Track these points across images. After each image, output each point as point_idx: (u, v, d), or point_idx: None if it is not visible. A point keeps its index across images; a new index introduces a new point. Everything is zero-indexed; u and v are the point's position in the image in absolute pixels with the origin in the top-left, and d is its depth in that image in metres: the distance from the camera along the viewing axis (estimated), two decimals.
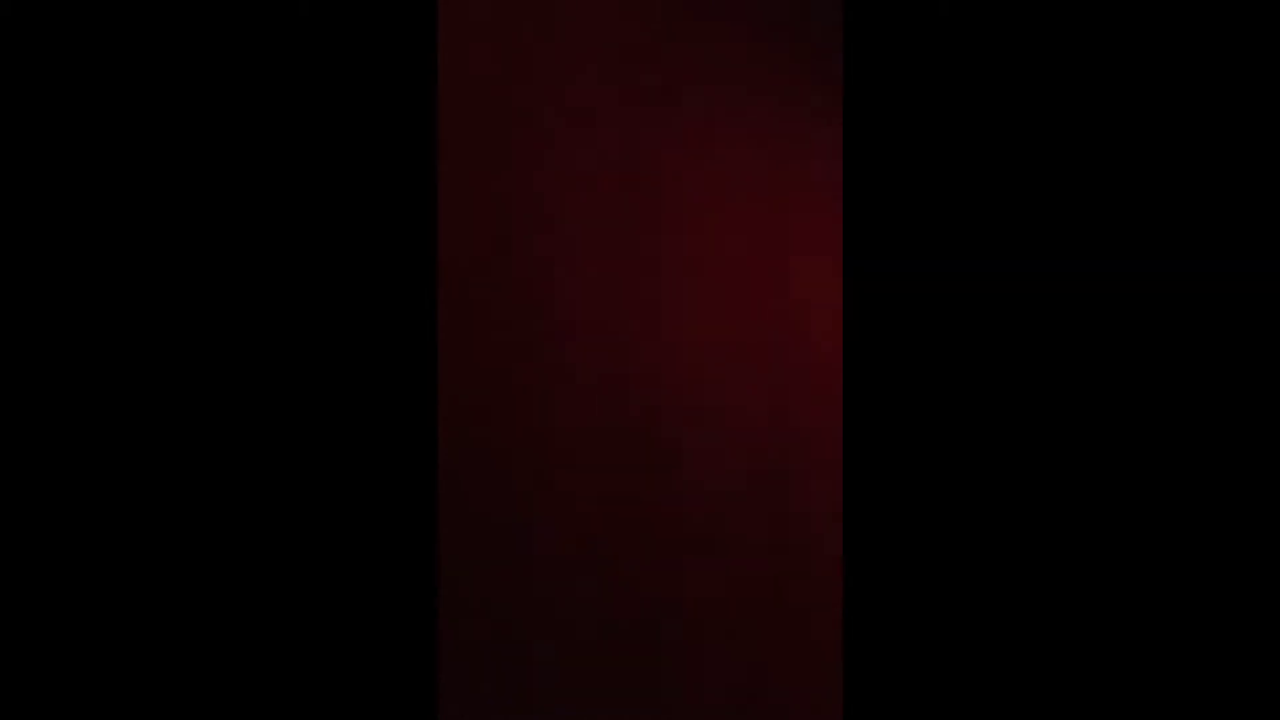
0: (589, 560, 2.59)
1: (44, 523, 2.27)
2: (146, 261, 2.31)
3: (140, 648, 2.29)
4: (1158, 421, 3.09)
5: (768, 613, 2.92)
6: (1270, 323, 3.01)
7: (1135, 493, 3.10)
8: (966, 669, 3.19)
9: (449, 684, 2.34)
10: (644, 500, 2.69)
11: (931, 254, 3.23)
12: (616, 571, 2.64)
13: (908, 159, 3.25)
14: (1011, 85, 3.18)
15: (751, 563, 2.89)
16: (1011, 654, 3.16)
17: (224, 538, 2.32)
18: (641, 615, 2.68)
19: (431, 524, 2.32)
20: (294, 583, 2.32)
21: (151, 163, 2.32)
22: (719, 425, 2.83)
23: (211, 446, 2.32)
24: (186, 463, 2.31)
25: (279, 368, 2.33)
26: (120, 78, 2.30)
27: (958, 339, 3.21)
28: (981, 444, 3.20)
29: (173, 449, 2.31)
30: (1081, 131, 3.14)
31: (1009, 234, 3.18)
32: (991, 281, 3.20)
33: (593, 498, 2.60)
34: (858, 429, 3.30)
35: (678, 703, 2.75)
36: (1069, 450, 3.15)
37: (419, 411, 2.31)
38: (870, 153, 3.27)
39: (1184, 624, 3.06)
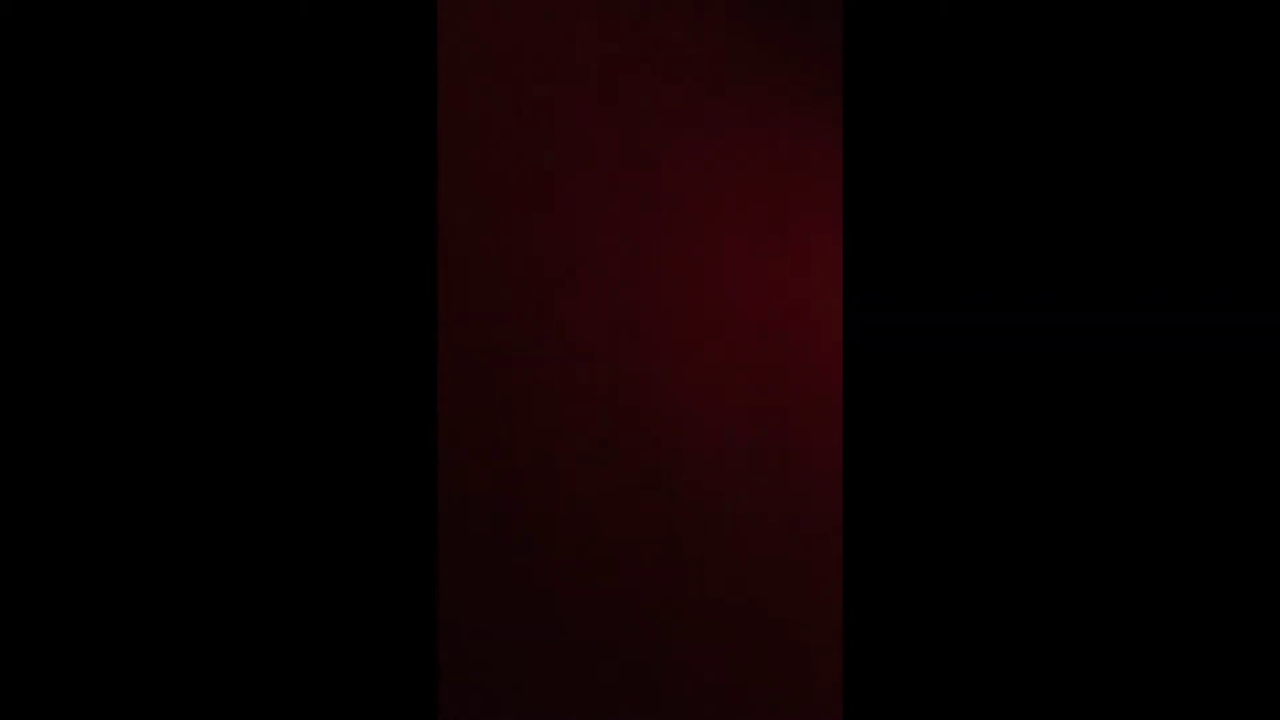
0: (589, 561, 2.59)
1: (44, 523, 2.27)
2: (146, 261, 2.31)
3: (140, 647, 2.29)
4: (1158, 434, 3.09)
5: (767, 613, 2.92)
6: (1270, 324, 3.00)
7: (1137, 505, 3.10)
8: (966, 673, 3.19)
9: (449, 684, 2.33)
10: (644, 500, 2.69)
11: (931, 254, 3.23)
12: (616, 572, 2.63)
13: (908, 159, 3.25)
14: (1013, 85, 3.17)
15: (751, 563, 2.89)
16: (1013, 662, 3.16)
17: (224, 538, 2.31)
18: (641, 616, 2.68)
19: (431, 524, 2.31)
20: (294, 582, 2.32)
21: (151, 161, 2.31)
22: (719, 425, 2.83)
23: (211, 446, 2.31)
24: (187, 463, 2.31)
25: (279, 367, 2.32)
26: (120, 77, 2.30)
27: (958, 341, 3.21)
28: (983, 446, 3.20)
29: (173, 450, 2.31)
30: (1084, 132, 3.14)
31: (1010, 234, 3.18)
32: (992, 281, 3.20)
33: (593, 497, 2.60)
34: (858, 429, 3.30)
35: (678, 703, 2.74)
36: (1071, 457, 3.15)
37: (419, 411, 2.31)
38: (870, 153, 3.27)
39: (1189, 650, 3.06)
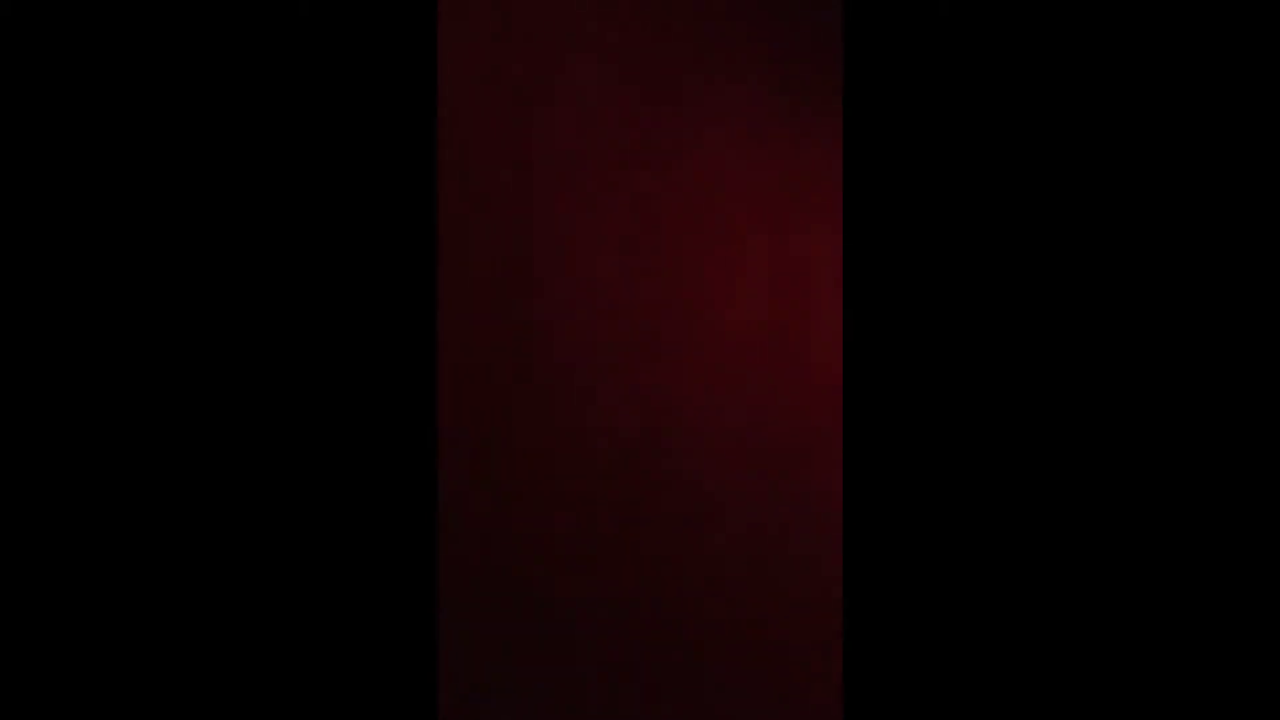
0: (588, 562, 2.59)
1: (44, 523, 2.27)
2: (146, 261, 2.31)
3: (141, 648, 2.29)
4: (1159, 426, 3.09)
5: (768, 614, 2.92)
6: (1270, 324, 3.01)
7: (1137, 495, 3.10)
8: (966, 672, 3.20)
9: (449, 684, 2.34)
10: (644, 501, 2.69)
11: (932, 253, 3.23)
12: (616, 573, 2.64)
13: (908, 159, 3.25)
14: (1012, 85, 3.18)
15: (752, 564, 2.89)
16: (1012, 660, 3.16)
17: (225, 539, 2.31)
18: (641, 617, 2.68)
19: (431, 524, 2.31)
20: (295, 583, 2.32)
21: (151, 162, 2.32)
22: (719, 425, 2.83)
23: (211, 446, 2.32)
24: (187, 464, 2.31)
25: (279, 368, 2.33)
26: (120, 77, 2.30)
27: (958, 338, 3.21)
28: (983, 444, 3.20)
29: (173, 451, 2.31)
30: (1083, 131, 3.14)
31: (1010, 233, 3.18)
32: (992, 280, 3.20)
33: (593, 498, 2.60)
34: (858, 429, 3.30)
35: (677, 704, 2.74)
36: (1070, 450, 3.15)
37: (419, 412, 2.31)
38: (870, 153, 3.27)
39: (1186, 637, 3.06)
